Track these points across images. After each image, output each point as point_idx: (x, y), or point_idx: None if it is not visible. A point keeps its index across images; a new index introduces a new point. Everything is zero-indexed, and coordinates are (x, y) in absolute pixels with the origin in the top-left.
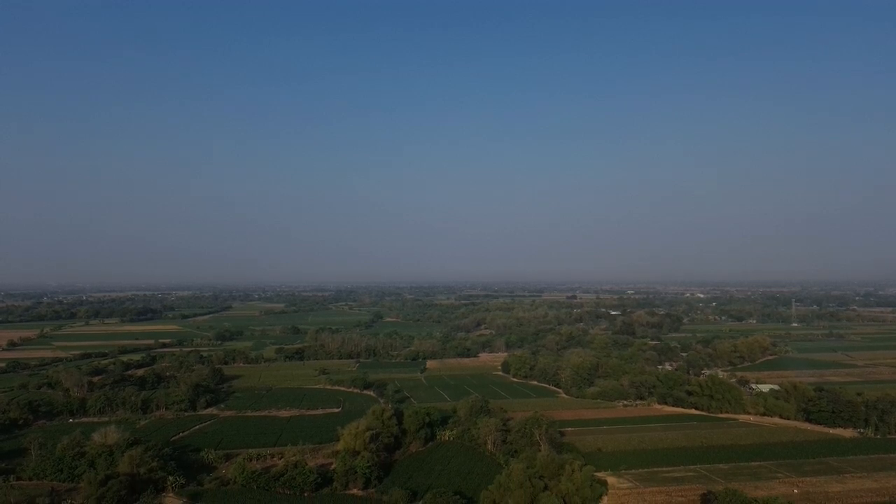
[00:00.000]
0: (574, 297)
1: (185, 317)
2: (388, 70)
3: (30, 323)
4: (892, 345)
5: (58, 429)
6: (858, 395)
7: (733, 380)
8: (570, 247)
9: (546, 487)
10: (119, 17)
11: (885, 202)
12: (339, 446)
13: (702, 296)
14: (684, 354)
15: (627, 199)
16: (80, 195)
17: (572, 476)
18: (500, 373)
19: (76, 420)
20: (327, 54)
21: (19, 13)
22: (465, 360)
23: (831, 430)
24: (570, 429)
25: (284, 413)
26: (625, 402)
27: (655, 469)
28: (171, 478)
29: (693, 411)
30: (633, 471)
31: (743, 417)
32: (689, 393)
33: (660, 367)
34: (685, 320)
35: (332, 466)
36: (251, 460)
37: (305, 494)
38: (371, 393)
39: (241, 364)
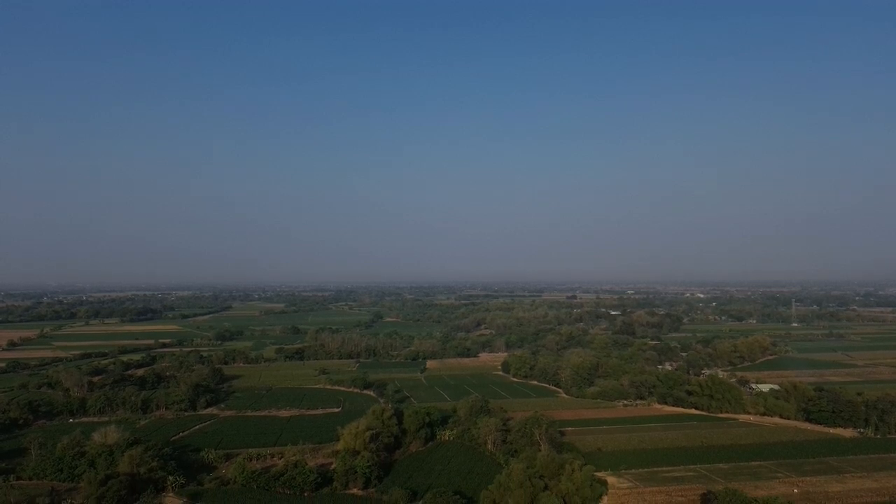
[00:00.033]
0: (574, 297)
1: (185, 317)
2: (388, 70)
3: (30, 323)
4: (892, 345)
5: (58, 429)
6: (858, 394)
7: (733, 380)
8: (570, 247)
9: (546, 487)
10: (119, 17)
11: (885, 202)
12: (339, 446)
13: (702, 296)
14: (684, 354)
15: (627, 199)
16: (80, 195)
17: (572, 476)
18: (500, 373)
19: (76, 420)
20: (327, 54)
21: (19, 13)
22: (465, 360)
23: (831, 430)
24: (570, 428)
25: (284, 413)
26: (625, 402)
27: (655, 469)
28: (171, 477)
29: (693, 411)
30: (633, 470)
31: (743, 417)
32: (689, 393)
33: (660, 366)
34: (685, 320)
35: (332, 466)
36: (251, 460)
37: (305, 494)
38: (371, 393)
39: (241, 364)
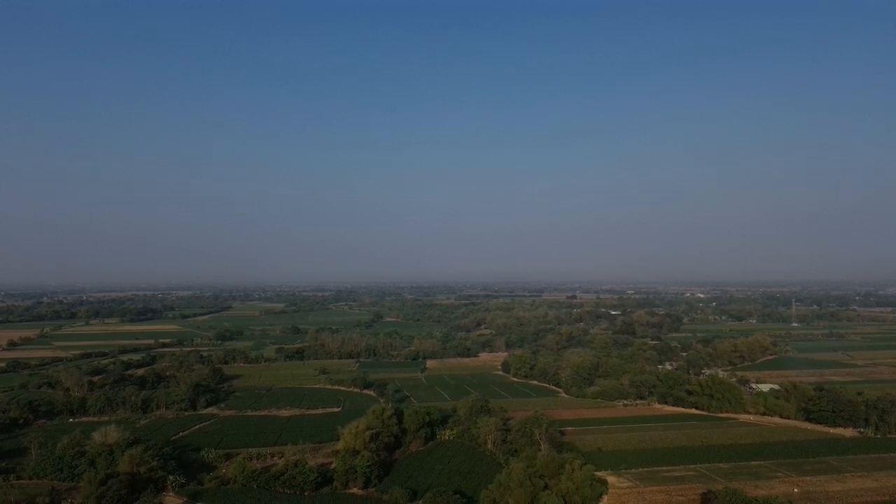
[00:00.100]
0: (574, 297)
1: (185, 317)
2: (388, 70)
3: (30, 323)
4: (892, 344)
5: (58, 428)
6: (859, 394)
7: (733, 379)
8: (570, 247)
9: (546, 486)
10: (119, 17)
11: (885, 202)
12: (340, 446)
13: (702, 296)
14: (684, 354)
15: (627, 199)
16: (80, 195)
17: (572, 475)
18: (501, 372)
19: (76, 419)
20: (327, 54)
21: (19, 13)
22: (466, 360)
23: (831, 430)
24: (570, 428)
25: (284, 412)
26: (625, 402)
27: (655, 468)
28: (171, 477)
29: (693, 411)
30: (634, 470)
31: (743, 417)
32: (690, 392)
33: (660, 366)
34: (685, 320)
35: (333, 466)
36: (251, 459)
37: (305, 493)
38: (371, 392)
39: (242, 364)
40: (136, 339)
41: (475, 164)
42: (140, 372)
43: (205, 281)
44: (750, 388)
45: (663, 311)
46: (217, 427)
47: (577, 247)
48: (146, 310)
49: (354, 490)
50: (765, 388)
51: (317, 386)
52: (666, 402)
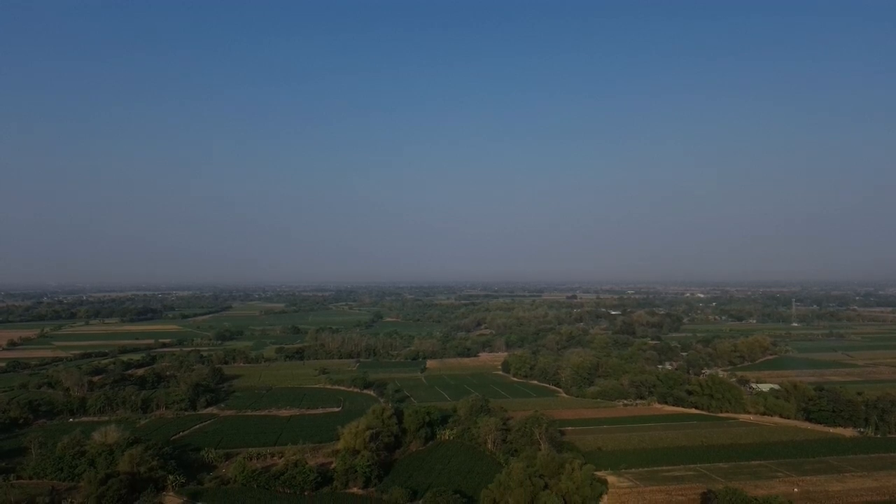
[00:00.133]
0: (574, 297)
1: (185, 317)
2: (388, 70)
3: (30, 323)
4: (892, 344)
5: (58, 428)
6: (859, 394)
7: (733, 379)
8: (570, 247)
9: (546, 486)
10: (119, 17)
11: (885, 202)
12: (340, 445)
13: (702, 296)
14: (684, 354)
15: (627, 199)
16: (80, 195)
17: (572, 475)
18: (501, 372)
19: (76, 419)
20: (327, 54)
21: (19, 13)
22: (466, 360)
23: (831, 430)
24: (570, 428)
25: (284, 412)
26: (625, 402)
27: (655, 468)
28: (171, 477)
29: (693, 411)
30: (634, 470)
31: (743, 417)
32: (690, 392)
33: (660, 366)
34: (685, 320)
35: (333, 465)
36: (251, 459)
37: (306, 493)
38: (371, 392)
39: (242, 364)
40: (136, 339)
41: (475, 164)
42: (140, 372)
43: (205, 281)
44: (750, 387)
45: (663, 311)
46: (217, 427)
47: (577, 247)
48: (146, 310)
49: (354, 490)
50: (765, 387)
51: (317, 386)
52: (666, 402)
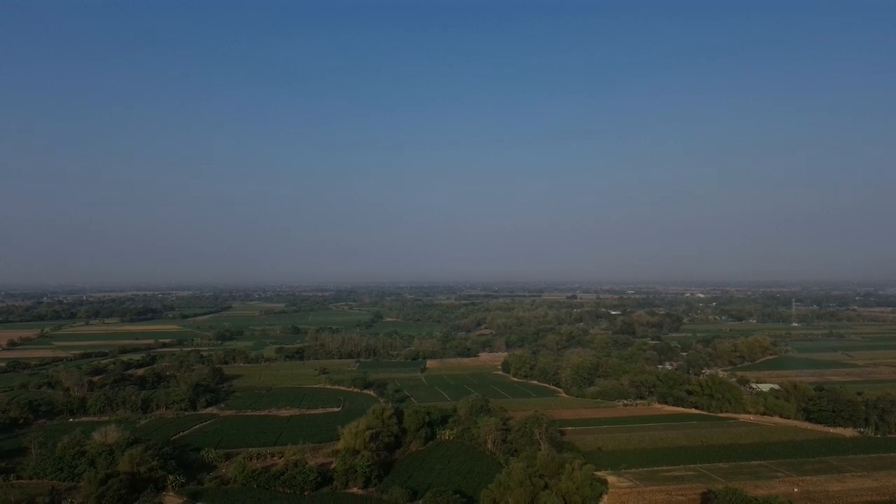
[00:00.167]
0: (574, 297)
1: (185, 317)
2: (388, 70)
3: (30, 323)
4: (893, 344)
5: (58, 428)
6: (859, 394)
7: (733, 379)
8: (570, 247)
9: (546, 486)
10: (119, 17)
11: (885, 202)
12: (340, 445)
13: (702, 296)
14: (684, 354)
15: (627, 199)
16: (80, 195)
17: (572, 475)
18: (501, 372)
19: (76, 419)
20: (327, 54)
21: (19, 13)
22: (466, 360)
23: (831, 430)
24: (570, 428)
25: (284, 412)
26: (625, 402)
27: (655, 468)
28: (171, 477)
29: (693, 411)
30: (634, 470)
31: (743, 417)
32: (690, 392)
33: (660, 366)
34: (685, 320)
35: (333, 465)
36: (251, 459)
37: (305, 493)
38: (371, 392)
39: (242, 364)
40: (136, 339)
41: (475, 164)
42: (140, 372)
43: (205, 281)
44: (750, 387)
45: (663, 311)
46: (217, 427)
47: (577, 247)
48: (146, 310)
49: (354, 490)
50: (765, 387)
51: (317, 386)
52: (666, 402)
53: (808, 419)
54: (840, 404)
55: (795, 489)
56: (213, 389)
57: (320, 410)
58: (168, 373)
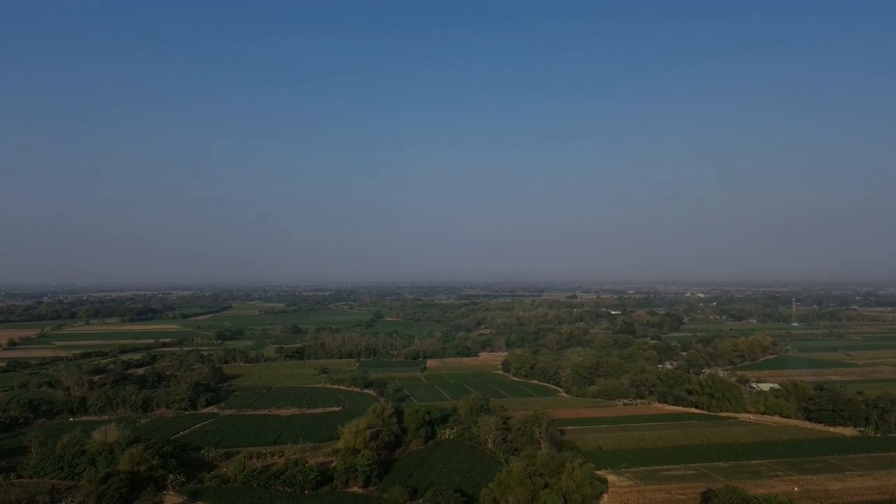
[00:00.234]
0: (574, 296)
1: (185, 316)
2: (388, 70)
3: (30, 322)
4: (893, 344)
5: (58, 427)
6: (859, 393)
7: (734, 379)
8: (570, 247)
9: (546, 485)
10: (119, 17)
11: (885, 202)
12: (340, 444)
13: (702, 295)
14: (684, 353)
15: (627, 199)
16: (80, 195)
17: (572, 474)
18: (501, 372)
19: (76, 418)
20: (327, 54)
21: (19, 13)
22: (466, 360)
23: (832, 429)
24: (570, 427)
25: (285, 412)
26: (625, 401)
27: (656, 467)
28: (171, 476)
29: (693, 410)
30: (634, 469)
31: (743, 416)
32: (690, 392)
33: (660, 366)
34: (685, 320)
35: (333, 464)
36: (251, 458)
37: (306, 492)
38: (371, 392)
39: (242, 363)
40: (137, 338)
41: (475, 164)
42: (140, 371)
43: (205, 281)
44: (750, 387)
45: (663, 311)
46: (217, 426)
47: (577, 247)
48: (146, 309)
49: (355, 489)
50: (765, 387)
51: (317, 385)
52: (666, 402)
53: (809, 418)
54: (840, 404)
55: (796, 488)
56: (214, 389)
57: (320, 410)
58: (168, 372)
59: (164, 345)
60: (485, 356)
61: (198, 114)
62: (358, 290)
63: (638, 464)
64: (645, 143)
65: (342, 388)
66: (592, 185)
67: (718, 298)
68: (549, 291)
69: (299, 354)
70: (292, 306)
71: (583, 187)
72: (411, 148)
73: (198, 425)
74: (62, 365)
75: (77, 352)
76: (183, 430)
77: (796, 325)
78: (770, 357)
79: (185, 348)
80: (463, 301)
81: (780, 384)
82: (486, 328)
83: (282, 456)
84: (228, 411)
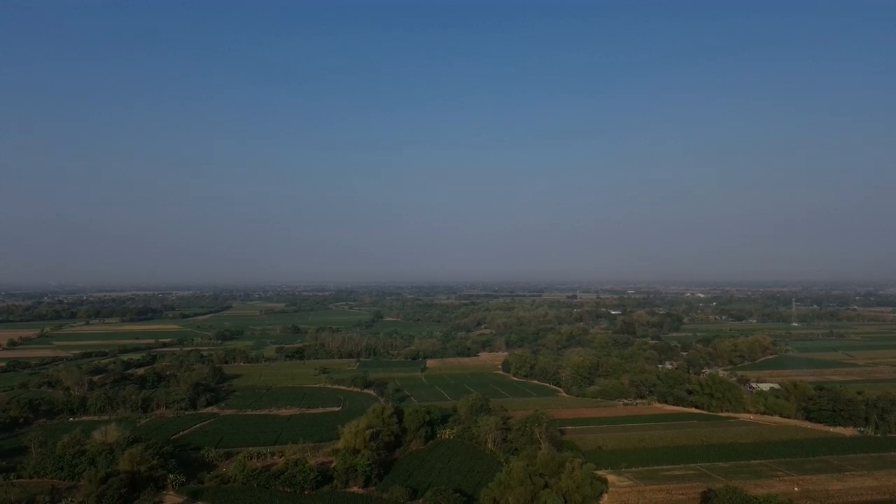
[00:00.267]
0: (574, 296)
1: (185, 316)
2: (388, 70)
3: (30, 322)
4: (893, 344)
5: (58, 427)
6: (859, 393)
7: (734, 379)
8: (570, 247)
9: (546, 485)
10: (119, 17)
11: (885, 202)
12: (340, 444)
13: (702, 295)
14: (685, 353)
15: (627, 199)
16: (80, 195)
17: (572, 474)
18: (501, 372)
19: (76, 418)
20: (327, 54)
21: (19, 13)
22: (466, 360)
23: (832, 429)
24: (570, 427)
25: (285, 412)
26: (625, 401)
27: (656, 467)
28: (171, 476)
29: (693, 410)
30: (634, 469)
31: (743, 416)
32: (690, 392)
33: (660, 366)
34: (685, 320)
35: (333, 464)
36: (251, 458)
37: (306, 492)
38: (371, 392)
39: (242, 363)
40: (137, 338)
41: (475, 164)
42: (140, 371)
43: (205, 281)
44: (750, 387)
45: (663, 311)
46: (217, 426)
47: (577, 247)
48: (146, 309)
49: (355, 489)
50: (765, 387)
51: (317, 385)
52: (666, 402)
53: (809, 418)
54: (840, 403)
55: (795, 488)
56: (214, 389)
57: (320, 410)
58: (168, 372)
59: (164, 345)
60: (485, 356)
61: (198, 114)
62: (358, 290)
63: (638, 464)
64: (645, 143)
65: (342, 388)
66: (592, 185)
67: (718, 298)
68: (549, 291)
69: (299, 354)
70: (292, 306)
71: (583, 187)
72: (411, 148)
73: (198, 425)
74: (62, 365)
75: (77, 352)
76: (183, 430)
77: (796, 325)
78: (770, 357)
79: (185, 348)
80: (463, 301)
81: (780, 384)
82: (486, 328)
83: (282, 456)
84: (228, 411)
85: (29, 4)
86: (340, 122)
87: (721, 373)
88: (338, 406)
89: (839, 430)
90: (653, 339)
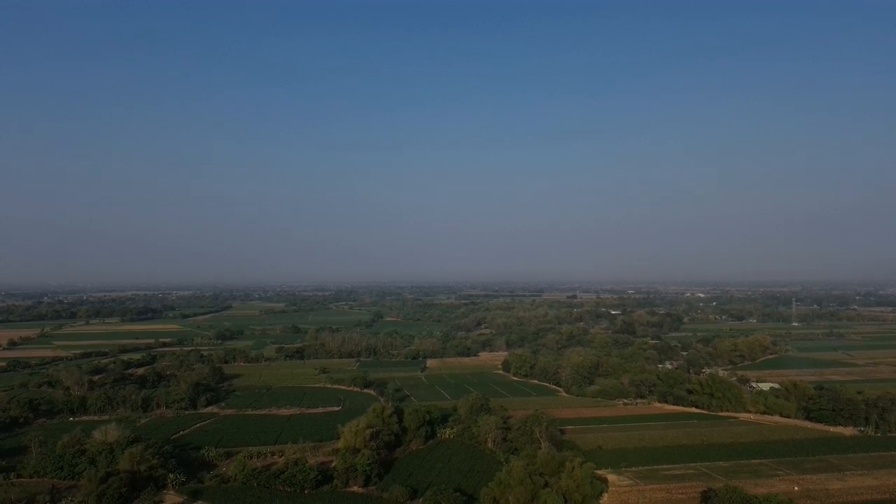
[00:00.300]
0: (574, 296)
1: (185, 316)
2: (388, 70)
3: (30, 322)
4: (893, 344)
5: (58, 427)
6: (859, 393)
7: (734, 378)
8: (570, 247)
9: (546, 484)
10: (119, 17)
11: (885, 202)
12: (340, 444)
13: (702, 295)
14: (685, 353)
15: (627, 199)
16: (80, 195)
17: (572, 473)
18: (501, 372)
19: (76, 418)
20: (327, 54)
21: (19, 13)
22: (466, 359)
23: (832, 429)
24: (570, 427)
25: (285, 411)
26: (625, 401)
27: (656, 467)
28: (171, 475)
29: (693, 409)
30: (634, 468)
31: (743, 416)
32: (690, 391)
33: (660, 365)
34: (685, 320)
35: (333, 464)
36: (251, 458)
37: (306, 492)
38: (371, 392)
39: (242, 363)
40: (137, 338)
41: (475, 164)
42: (140, 371)
43: (205, 281)
44: (750, 386)
45: (663, 311)
46: (217, 426)
47: (577, 247)
48: (146, 309)
49: (355, 488)
50: (765, 386)
51: (317, 385)
52: (666, 401)
53: (809, 418)
54: (840, 403)
55: (796, 487)
56: (214, 388)
57: (320, 409)
58: (168, 372)
59: (164, 345)
60: (485, 356)
61: (198, 114)
62: (358, 290)
63: (638, 463)
64: (645, 143)
65: (342, 387)
66: (592, 185)
67: (718, 298)
68: (549, 291)
69: (299, 354)
70: (292, 306)
71: (583, 187)
72: (411, 148)
73: (198, 425)
74: (62, 365)
75: (77, 352)
76: (183, 430)
77: (796, 324)
78: (770, 357)
79: (185, 348)
80: (463, 301)
81: (780, 384)
82: (486, 328)
83: (282, 455)
84: (228, 411)
85: (29, 4)
86: (340, 122)
87: (721, 372)
88: (338, 406)
89: (839, 429)
90: (653, 338)
